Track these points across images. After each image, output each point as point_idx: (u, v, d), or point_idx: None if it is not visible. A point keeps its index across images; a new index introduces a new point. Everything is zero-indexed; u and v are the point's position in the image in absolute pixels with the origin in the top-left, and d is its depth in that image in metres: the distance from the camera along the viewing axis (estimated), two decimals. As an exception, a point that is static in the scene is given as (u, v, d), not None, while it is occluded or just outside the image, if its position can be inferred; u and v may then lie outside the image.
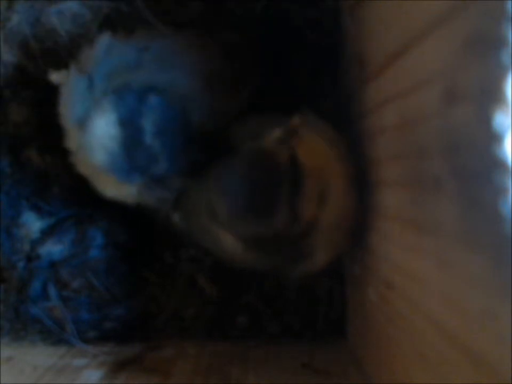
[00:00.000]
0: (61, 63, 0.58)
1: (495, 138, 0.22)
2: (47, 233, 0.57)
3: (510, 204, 0.21)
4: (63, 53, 0.60)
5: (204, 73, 0.51)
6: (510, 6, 0.21)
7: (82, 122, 0.48)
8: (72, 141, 0.50)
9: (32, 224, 0.57)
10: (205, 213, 0.45)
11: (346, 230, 0.44)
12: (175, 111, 0.49)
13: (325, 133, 0.45)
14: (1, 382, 0.50)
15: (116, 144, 0.48)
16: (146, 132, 0.48)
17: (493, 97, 0.22)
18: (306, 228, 0.42)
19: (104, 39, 0.49)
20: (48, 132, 0.58)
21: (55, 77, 0.52)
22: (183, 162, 0.50)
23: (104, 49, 0.49)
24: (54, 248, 0.57)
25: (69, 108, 0.49)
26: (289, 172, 0.41)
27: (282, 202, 0.41)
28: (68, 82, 0.49)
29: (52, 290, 0.56)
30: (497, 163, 0.22)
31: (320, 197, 0.42)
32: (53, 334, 0.57)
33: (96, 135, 0.48)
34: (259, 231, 0.42)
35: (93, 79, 0.48)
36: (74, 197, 0.58)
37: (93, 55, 0.49)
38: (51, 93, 0.53)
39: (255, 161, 0.42)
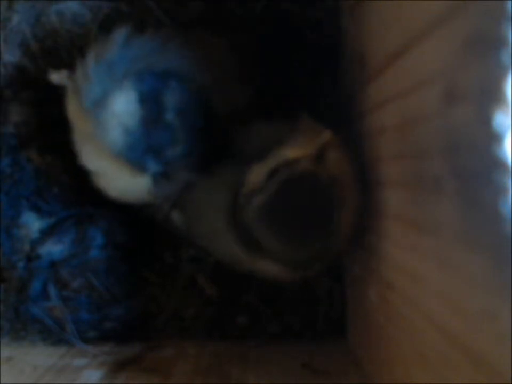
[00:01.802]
0: (61, 63, 0.58)
1: (495, 138, 0.22)
2: (47, 233, 0.57)
3: (510, 204, 0.21)
4: (63, 53, 0.60)
5: (216, 68, 0.51)
6: (510, 6, 0.21)
7: (100, 102, 0.48)
8: (80, 131, 0.50)
9: (32, 224, 0.57)
10: (237, 245, 0.45)
11: (352, 229, 0.45)
12: (195, 96, 0.49)
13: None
14: (1, 382, 0.49)
15: (135, 122, 0.48)
16: (167, 108, 0.48)
17: (493, 97, 0.22)
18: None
19: (122, 32, 0.50)
20: (48, 132, 0.58)
21: (55, 77, 0.52)
22: (198, 148, 0.49)
23: (122, 41, 0.49)
24: (54, 248, 0.57)
25: (84, 92, 0.49)
26: (331, 188, 0.41)
27: (335, 218, 0.41)
28: (83, 70, 0.49)
29: (52, 290, 0.56)
30: (497, 163, 0.22)
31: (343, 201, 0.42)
32: (53, 334, 0.57)
33: (115, 112, 0.48)
34: (317, 251, 0.42)
35: (113, 65, 0.48)
36: (74, 197, 0.58)
37: (111, 45, 0.49)
38: (51, 93, 0.53)
39: (298, 185, 0.41)
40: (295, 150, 0.42)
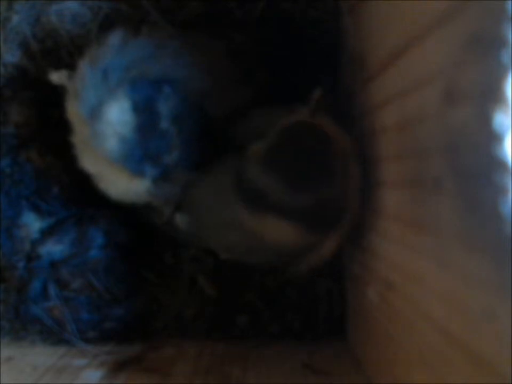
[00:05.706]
0: (61, 63, 0.58)
1: (495, 138, 0.22)
2: (47, 233, 0.57)
3: (510, 204, 0.21)
4: (63, 53, 0.60)
5: (214, 71, 0.51)
6: (510, 6, 0.21)
7: (95, 111, 0.48)
8: (79, 134, 0.50)
9: (32, 224, 0.57)
10: (242, 206, 0.45)
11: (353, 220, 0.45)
12: (190, 102, 0.49)
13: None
14: (1, 382, 0.49)
15: (130, 130, 0.48)
16: (162, 116, 0.48)
17: (493, 97, 0.22)
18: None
19: (117, 35, 0.50)
20: (48, 132, 0.58)
21: (55, 77, 0.52)
22: (195, 153, 0.49)
23: (117, 45, 0.49)
24: (54, 248, 0.57)
25: (81, 98, 0.49)
26: (329, 140, 0.43)
27: (335, 167, 0.43)
28: (80, 75, 0.49)
29: (52, 290, 0.56)
30: (497, 163, 0.22)
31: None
32: (53, 334, 0.57)
33: (110, 122, 0.48)
34: (321, 199, 0.43)
35: (108, 72, 0.48)
36: (74, 197, 0.58)
37: (106, 50, 0.49)
38: (51, 93, 0.53)
39: (298, 133, 0.44)
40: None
